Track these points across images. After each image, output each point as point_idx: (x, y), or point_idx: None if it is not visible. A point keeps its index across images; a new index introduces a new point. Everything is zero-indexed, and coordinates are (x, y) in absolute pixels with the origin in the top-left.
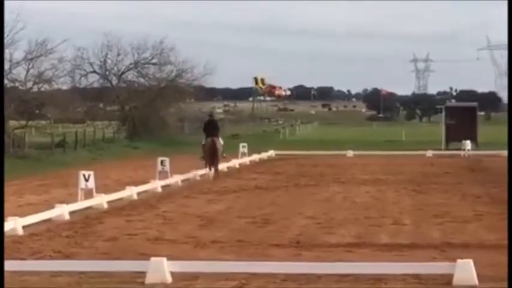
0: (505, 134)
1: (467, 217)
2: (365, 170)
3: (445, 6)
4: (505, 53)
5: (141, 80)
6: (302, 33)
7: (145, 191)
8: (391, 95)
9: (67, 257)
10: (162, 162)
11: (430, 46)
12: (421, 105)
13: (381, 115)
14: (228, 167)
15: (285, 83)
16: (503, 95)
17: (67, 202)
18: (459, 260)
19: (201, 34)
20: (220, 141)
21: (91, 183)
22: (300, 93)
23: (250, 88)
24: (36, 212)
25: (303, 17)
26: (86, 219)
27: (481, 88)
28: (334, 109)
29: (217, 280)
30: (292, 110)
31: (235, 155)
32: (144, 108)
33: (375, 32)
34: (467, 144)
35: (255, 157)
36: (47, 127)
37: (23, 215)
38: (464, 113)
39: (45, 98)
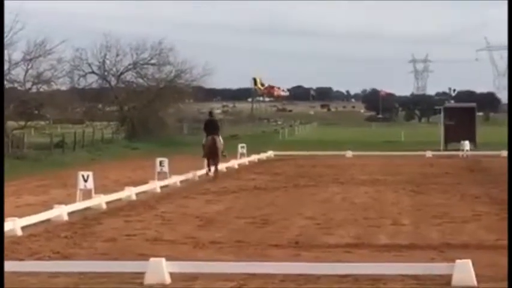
0: (503, 135)
1: (466, 217)
2: (364, 171)
3: (444, 7)
4: (504, 53)
5: (140, 80)
6: (301, 34)
7: (144, 192)
8: (390, 95)
9: (66, 257)
10: (160, 162)
11: (428, 47)
12: (420, 105)
13: (379, 116)
14: (227, 168)
15: (284, 84)
16: (502, 96)
17: (66, 203)
18: (458, 261)
19: (200, 34)
20: (221, 140)
21: (90, 184)
22: (299, 93)
23: (249, 89)
24: (34, 212)
25: (302, 17)
26: (85, 220)
27: (480, 89)
28: (333, 110)
29: (216, 280)
30: (290, 111)
31: (234, 155)
32: (143, 108)
33: (374, 32)
34: (466, 144)
35: (254, 158)
36: (46, 128)
37: (21, 215)
38: (463, 114)
39: (44, 98)
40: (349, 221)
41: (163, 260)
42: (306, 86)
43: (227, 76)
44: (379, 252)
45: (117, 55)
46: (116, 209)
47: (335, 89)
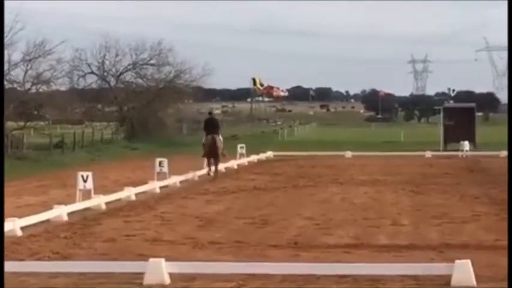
0: (503, 135)
1: (465, 218)
2: (363, 171)
3: (443, 8)
4: (503, 54)
5: (139, 81)
6: (300, 34)
7: (143, 192)
8: (389, 96)
9: (65, 258)
10: (160, 163)
11: (428, 47)
12: (419, 106)
13: (379, 116)
14: (226, 168)
15: (283, 84)
16: (501, 96)
17: (65, 203)
18: (457, 261)
19: (199, 35)
20: (221, 139)
21: (89, 184)
22: (298, 94)
23: (249, 89)
24: (34, 213)
25: (301, 17)
26: (84, 220)
27: (479, 89)
28: (332, 110)
29: (215, 281)
30: (290, 111)
31: (233, 155)
32: (142, 109)
33: (374, 33)
34: (466, 145)
35: (253, 158)
36: (45, 128)
37: (21, 216)
38: (462, 114)
39: (43, 99)
40: (349, 222)
41: (162, 260)
42: (306, 86)
43: (226, 76)
44: (379, 252)
45: (117, 55)
46: (115, 210)
47: (334, 89)
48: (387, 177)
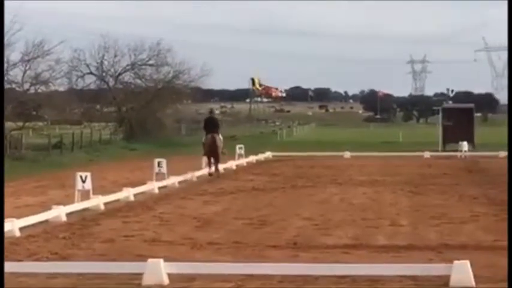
0: (502, 135)
1: (464, 218)
2: (362, 171)
3: (442, 8)
4: (502, 54)
5: (138, 81)
6: (299, 35)
7: (142, 193)
8: (388, 96)
9: (64, 258)
10: (159, 163)
11: (427, 47)
12: (418, 106)
13: (378, 116)
14: (224, 169)
15: (282, 84)
16: (500, 97)
17: (64, 203)
18: (456, 262)
19: (198, 35)
20: (220, 137)
21: (88, 185)
22: (297, 94)
23: (247, 89)
24: (33, 213)
25: (300, 18)
26: (83, 221)
27: (478, 89)
28: (331, 110)
29: (214, 281)
30: (288, 111)
31: (232, 156)
32: (141, 109)
33: (373, 33)
34: (464, 145)
35: (252, 158)
36: (44, 128)
37: (19, 216)
38: (461, 114)
39: (42, 99)
40: (347, 222)
41: (161, 260)
42: (304, 86)
43: (225, 77)
44: (377, 253)
45: (115, 56)
46: (114, 210)
47: (333, 89)
48: (386, 178)
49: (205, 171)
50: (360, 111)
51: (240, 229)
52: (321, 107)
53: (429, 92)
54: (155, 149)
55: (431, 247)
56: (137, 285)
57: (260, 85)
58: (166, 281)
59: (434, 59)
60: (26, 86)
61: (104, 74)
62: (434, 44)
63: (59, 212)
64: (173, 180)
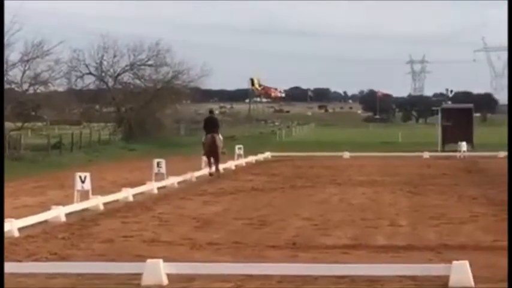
0: (501, 136)
1: (463, 218)
2: (361, 172)
3: (441, 8)
4: (501, 54)
5: (137, 81)
6: (298, 35)
7: (141, 193)
8: (387, 96)
9: (63, 258)
10: (158, 163)
11: (426, 48)
12: (417, 106)
13: (377, 116)
14: (224, 169)
15: (281, 84)
16: (499, 97)
17: (63, 204)
18: (455, 262)
19: (197, 35)
20: (220, 137)
21: (87, 185)
22: (296, 94)
23: (246, 90)
24: (32, 213)
25: (299, 18)
26: (82, 221)
27: (477, 90)
28: (330, 110)
29: (213, 282)
30: (288, 112)
31: (231, 156)
32: (140, 109)
33: (372, 33)
34: (463, 145)
35: (251, 159)
36: (43, 129)
37: (19, 216)
38: (460, 115)
39: (41, 99)
40: (347, 222)
41: (160, 261)
42: (304, 86)
43: (224, 77)
44: (377, 253)
45: (115, 56)
46: (113, 210)
47: (332, 89)
48: (385, 178)
49: (204, 171)
50: (359, 112)
51: (240, 229)
52: (320, 107)
53: (428, 92)
54: (154, 149)
55: (430, 247)
56: (136, 286)
57: (259, 85)
58: (165, 281)
59: (433, 59)
60: (25, 86)
61: (103, 74)
62: (433, 44)
63: (58, 213)
64: (172, 181)
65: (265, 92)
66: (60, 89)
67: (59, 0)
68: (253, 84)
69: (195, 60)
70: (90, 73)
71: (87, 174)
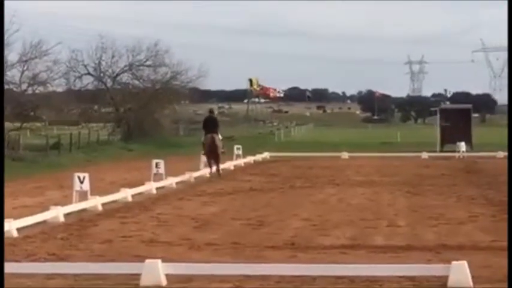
0: (499, 136)
1: (462, 219)
2: (360, 172)
3: (439, 9)
4: (499, 55)
5: (136, 82)
6: (297, 35)
7: (140, 193)
8: (386, 96)
9: (61, 259)
10: (156, 164)
11: (424, 48)
12: (415, 107)
13: (375, 117)
14: (222, 169)
15: (279, 85)
16: (498, 97)
17: (62, 204)
18: (454, 262)
19: (196, 36)
20: (220, 137)
21: (86, 185)
22: (295, 95)
23: (245, 90)
24: (30, 214)
25: (298, 18)
26: (81, 222)
27: (476, 90)
28: (329, 111)
29: (211, 282)
30: (286, 112)
31: (229, 156)
32: (138, 110)
33: (370, 34)
34: (462, 146)
35: (250, 159)
36: (42, 129)
37: (17, 217)
38: (458, 115)
39: (39, 100)
40: (345, 222)
41: (159, 261)
42: (302, 87)
43: (222, 77)
44: (375, 253)
45: (113, 56)
46: (111, 211)
47: (331, 90)
48: (384, 178)
49: (203, 171)
50: (358, 112)
51: (238, 230)
52: (318, 107)
53: (427, 92)
54: (153, 149)
55: (429, 247)
56: (135, 286)
57: (258, 86)
58: (164, 281)
59: (431, 60)
60: (24, 86)
61: (101, 74)
62: (431, 44)
63: (56, 213)
64: (171, 181)
65: (264, 92)
66: (59, 90)
67: (57, 0)
68: (251, 84)
69: (194, 61)
70: (88, 73)
71: (86, 175)
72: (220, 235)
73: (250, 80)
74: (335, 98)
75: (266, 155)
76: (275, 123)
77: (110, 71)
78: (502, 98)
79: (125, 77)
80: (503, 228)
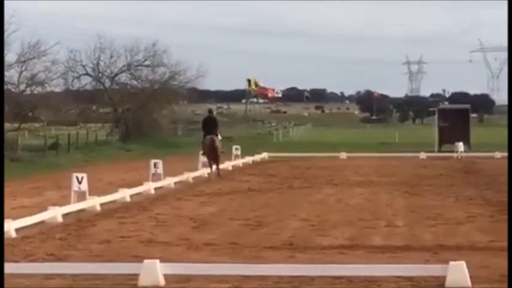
0: (498, 136)
1: (460, 219)
2: (358, 172)
3: (437, 9)
4: (498, 55)
5: (134, 82)
6: (295, 35)
7: (138, 193)
8: (384, 97)
9: (60, 259)
10: (155, 164)
11: (423, 48)
12: (413, 107)
13: (374, 117)
14: (221, 169)
15: (278, 85)
16: (496, 97)
17: (60, 204)
18: (452, 262)
19: (194, 36)
20: (219, 138)
21: (84, 186)
22: (293, 95)
23: (243, 90)
24: (29, 214)
25: (296, 19)
26: (79, 222)
27: (474, 90)
28: (327, 111)
29: (210, 282)
30: (285, 112)
31: (228, 157)
32: (137, 110)
33: (369, 34)
34: (460, 146)
35: (248, 159)
36: (40, 129)
37: (16, 217)
38: (457, 115)
39: (38, 100)
40: (344, 223)
41: (157, 261)
42: (300, 87)
43: (221, 77)
44: (373, 253)
45: (111, 57)
46: (110, 211)
47: (329, 90)
48: (382, 179)
49: (201, 172)
50: (356, 112)
51: (237, 230)
52: (317, 107)
53: (425, 92)
54: (151, 149)
55: (427, 248)
56: (133, 286)
57: (256, 86)
58: (162, 281)
59: (430, 60)
60: (22, 87)
61: (100, 75)
62: (430, 45)
63: (55, 213)
64: (169, 181)
65: (262, 92)
66: (57, 90)
67: (56, 0)
68: (250, 84)
69: (193, 61)
70: (87, 74)
71: (84, 175)
72: (218, 235)
73: (249, 80)
74: (333, 98)
75: (264, 155)
76: (273, 124)
77: (108, 71)
78: (500, 98)
79: (123, 77)
80: (501, 229)
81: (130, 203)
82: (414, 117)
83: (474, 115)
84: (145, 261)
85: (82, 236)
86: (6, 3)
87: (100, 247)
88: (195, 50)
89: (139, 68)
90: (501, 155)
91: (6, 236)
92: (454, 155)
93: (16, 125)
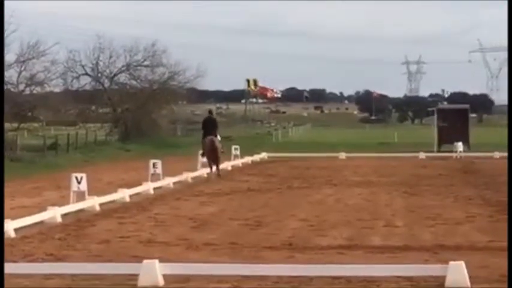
0: (497, 136)
1: (459, 219)
2: (357, 172)
3: (437, 9)
4: (497, 55)
5: (133, 82)
6: (295, 35)
7: (137, 194)
8: (383, 97)
9: (59, 259)
10: (154, 164)
11: (422, 48)
12: (413, 107)
13: (373, 117)
14: (220, 169)
15: (277, 85)
16: (495, 97)
17: (59, 204)
18: (451, 262)
19: (194, 36)
20: (219, 138)
21: (83, 186)
22: (292, 95)
23: (242, 90)
24: (28, 214)
25: (295, 19)
26: (78, 222)
27: (473, 90)
28: (326, 111)
29: (209, 282)
30: (284, 112)
31: (227, 157)
32: (136, 110)
33: (368, 34)
34: (459, 146)
35: (248, 159)
36: (39, 129)
37: (15, 217)
38: (456, 115)
39: (37, 100)
40: (343, 223)
41: (156, 261)
42: (300, 87)
43: (220, 78)
44: (373, 253)
45: (111, 57)
46: (109, 211)
47: (328, 90)
48: (381, 179)
49: (200, 172)
50: (355, 112)
51: (236, 230)
52: (316, 107)
53: (424, 92)
54: (150, 150)
55: (426, 248)
56: (132, 286)
57: (255, 86)
58: (161, 282)
59: (429, 60)
60: (21, 87)
61: (99, 75)
62: (429, 45)
63: (54, 213)
64: (168, 181)
65: (261, 92)
66: (56, 90)
67: (55, 0)
68: (249, 85)
69: (193, 61)
70: (86, 74)
71: (83, 175)
72: (218, 235)
73: (248, 81)
74: (332, 99)
75: (264, 155)
76: (273, 124)
77: (108, 71)
78: (499, 98)
79: (123, 77)
80: (500, 229)
81: (129, 203)
82: (413, 117)
83: (473, 115)
84: (145, 261)
85: (81, 236)
86: (7, 3)
87: (99, 247)
88: (195, 50)
89: (139, 68)
90: (500, 155)
91: (5, 236)
92: (453, 155)
93: (15, 125)
